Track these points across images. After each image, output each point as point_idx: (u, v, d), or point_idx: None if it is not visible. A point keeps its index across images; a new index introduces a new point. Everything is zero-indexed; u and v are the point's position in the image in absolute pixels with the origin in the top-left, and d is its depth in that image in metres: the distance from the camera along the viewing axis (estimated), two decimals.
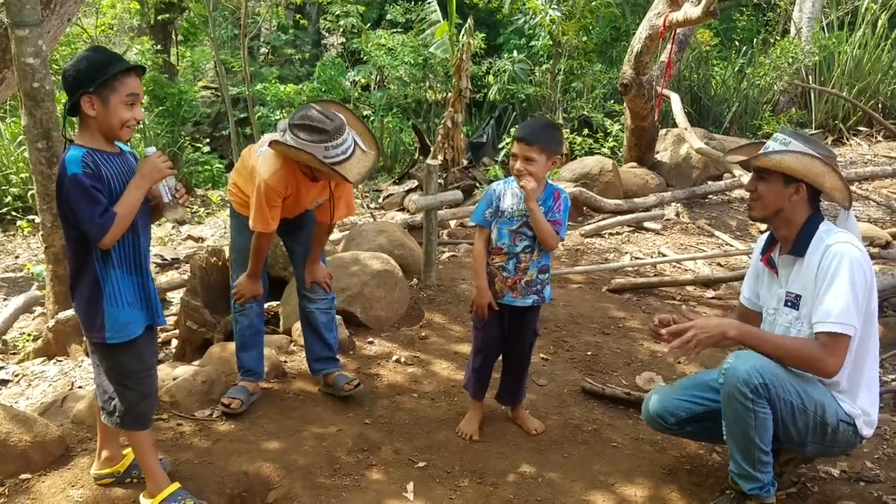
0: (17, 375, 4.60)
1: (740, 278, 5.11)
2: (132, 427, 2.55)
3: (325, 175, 2.97)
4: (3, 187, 9.36)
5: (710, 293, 5.10)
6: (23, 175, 9.35)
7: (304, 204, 3.17)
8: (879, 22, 10.73)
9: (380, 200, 8.63)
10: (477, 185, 8.48)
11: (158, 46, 13.33)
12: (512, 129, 10.48)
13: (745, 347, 2.46)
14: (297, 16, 14.32)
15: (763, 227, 2.74)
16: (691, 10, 6.49)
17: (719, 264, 5.67)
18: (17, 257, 7.85)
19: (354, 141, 2.92)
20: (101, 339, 2.42)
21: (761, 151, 2.54)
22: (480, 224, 3.03)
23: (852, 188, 7.35)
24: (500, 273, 2.99)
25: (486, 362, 3.20)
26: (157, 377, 2.68)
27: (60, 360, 4.67)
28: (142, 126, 10.59)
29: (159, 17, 13.39)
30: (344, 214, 3.31)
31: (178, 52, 15.24)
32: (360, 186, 9.42)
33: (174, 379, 3.40)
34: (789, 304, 2.55)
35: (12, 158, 9.66)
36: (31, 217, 8.38)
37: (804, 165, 2.43)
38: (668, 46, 7.40)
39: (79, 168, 2.28)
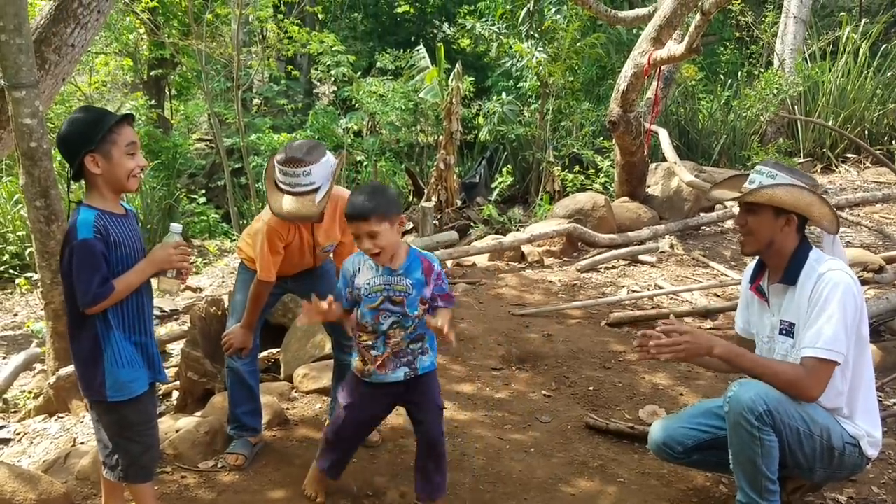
0: (18, 434, 4.58)
1: (737, 308, 5.15)
2: (136, 480, 2.54)
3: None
4: (1, 245, 9.41)
5: (708, 324, 5.12)
6: (20, 233, 9.41)
7: (307, 246, 3.18)
8: (861, 51, 10.95)
9: None
10: (472, 224, 8.56)
11: (152, 101, 13.53)
12: (504, 169, 10.60)
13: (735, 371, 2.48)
14: (289, 67, 14.57)
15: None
16: (675, 48, 6.64)
17: (716, 294, 5.70)
18: (15, 315, 7.85)
19: (315, 190, 2.86)
20: (101, 398, 2.41)
21: (749, 186, 2.58)
22: (346, 309, 2.72)
23: (843, 214, 7.43)
24: (369, 353, 2.66)
25: (346, 446, 2.88)
26: (158, 428, 2.68)
27: (62, 417, 4.65)
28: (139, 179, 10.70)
29: (152, 73, 13.61)
30: None
31: (171, 106, 15.44)
32: None
33: (177, 431, 3.39)
34: (784, 332, 2.57)
35: (9, 217, 9.72)
36: (28, 275, 8.40)
37: (794, 197, 2.48)
38: (654, 83, 7.54)
39: (90, 233, 2.30)
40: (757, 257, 2.72)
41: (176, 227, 2.46)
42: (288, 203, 2.87)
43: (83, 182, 2.42)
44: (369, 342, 2.66)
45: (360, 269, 2.66)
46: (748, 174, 2.66)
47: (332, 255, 3.38)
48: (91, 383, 2.41)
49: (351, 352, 3.32)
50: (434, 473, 2.77)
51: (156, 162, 11.82)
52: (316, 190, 2.86)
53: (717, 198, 2.95)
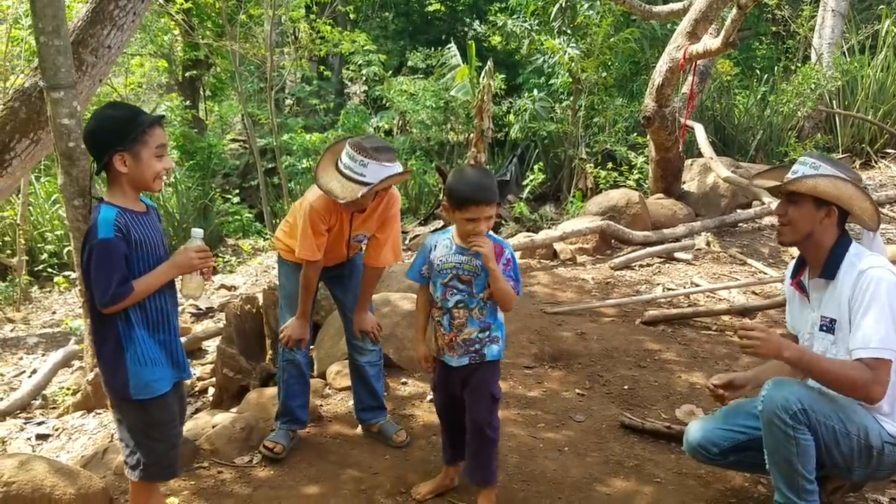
0: (57, 430, 4.66)
1: (776, 306, 5.04)
2: (159, 478, 2.54)
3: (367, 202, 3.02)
4: (39, 245, 9.61)
5: (746, 322, 5.02)
6: (58, 232, 9.60)
7: (345, 237, 3.19)
8: None
9: (406, 242, 8.70)
10: (503, 222, 8.52)
11: (187, 102, 13.70)
12: (535, 166, 10.54)
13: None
14: (321, 67, 14.66)
15: (796, 252, 2.71)
16: (711, 42, 6.54)
17: (754, 292, 5.60)
18: (53, 313, 8.02)
19: (364, 185, 2.87)
20: (126, 396, 2.39)
21: (789, 176, 2.54)
22: (415, 280, 2.86)
23: (883, 211, 7.25)
24: (439, 329, 2.78)
25: (445, 426, 2.97)
26: (181, 427, 2.64)
27: (99, 413, 4.72)
28: (174, 180, 10.86)
29: (187, 74, 13.79)
30: (390, 259, 3.31)
31: (206, 107, 15.64)
32: None
33: (213, 427, 3.42)
34: (824, 328, 2.52)
35: (47, 216, 9.93)
36: (66, 273, 8.57)
37: (837, 188, 2.43)
38: (690, 78, 7.43)
39: (111, 232, 2.28)
40: (799, 253, 2.66)
41: (197, 231, 2.44)
42: (335, 183, 2.91)
43: (105, 175, 2.40)
44: (439, 318, 2.77)
45: (436, 245, 2.78)
46: (791, 165, 2.61)
47: (362, 248, 3.38)
48: (115, 382, 2.40)
49: (361, 352, 3.38)
50: (476, 458, 2.80)
51: (191, 162, 11.98)
52: (365, 185, 2.88)
53: (759, 186, 2.89)
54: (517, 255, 6.55)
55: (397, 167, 2.96)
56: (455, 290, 2.69)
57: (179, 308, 2.66)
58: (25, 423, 4.84)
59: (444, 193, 2.76)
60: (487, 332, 2.73)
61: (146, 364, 2.38)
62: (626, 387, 4.03)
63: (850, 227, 2.59)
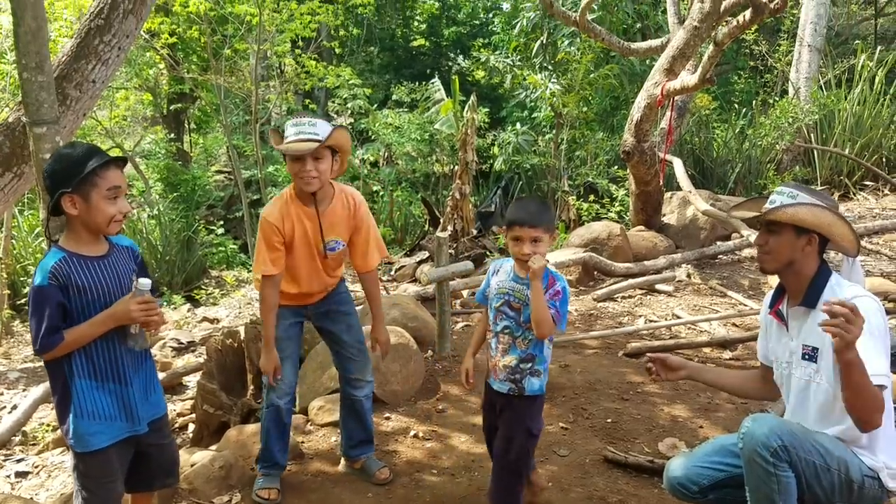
0: (36, 467, 4.59)
1: (756, 338, 5.08)
2: None
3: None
4: (21, 278, 9.53)
5: (727, 354, 5.06)
6: None
7: (317, 245, 3.13)
8: (877, 78, 10.94)
9: (391, 273, 8.70)
10: (487, 253, 8.56)
11: (172, 135, 13.75)
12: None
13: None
14: (306, 100, 14.76)
15: (776, 282, 2.74)
16: (688, 78, 6.67)
17: (734, 324, 5.65)
18: None
19: (317, 142, 2.95)
20: (69, 444, 2.34)
21: (767, 206, 2.56)
22: (480, 303, 2.96)
23: (862, 243, 7.36)
24: (489, 351, 2.83)
25: (489, 449, 2.98)
26: (119, 486, 2.44)
27: None
28: (157, 212, 10.84)
29: (172, 107, 13.84)
30: (377, 257, 3.27)
31: (191, 140, 15.68)
32: None
33: (192, 465, 3.38)
34: (807, 356, 2.53)
35: (30, 250, 9.86)
36: None
37: (816, 216, 2.46)
38: (668, 113, 7.56)
39: (44, 280, 2.20)
40: (777, 284, 2.69)
41: (144, 282, 2.29)
42: (293, 144, 2.95)
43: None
44: (489, 340, 2.83)
45: (499, 269, 2.86)
46: (768, 196, 2.64)
47: (346, 257, 3.30)
48: (62, 428, 2.34)
49: (359, 386, 3.34)
50: (496, 488, 2.80)
51: (175, 194, 11.98)
52: (318, 141, 2.95)
53: (738, 217, 2.93)
54: None
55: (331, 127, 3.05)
56: (504, 316, 2.75)
57: (152, 349, 2.56)
58: (5, 460, 4.76)
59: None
60: (530, 365, 2.73)
61: (83, 416, 2.29)
62: (609, 420, 4.04)
63: (828, 258, 2.62)
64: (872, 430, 2.36)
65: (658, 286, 6.59)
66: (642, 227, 7.91)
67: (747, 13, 6.19)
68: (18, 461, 4.74)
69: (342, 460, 3.50)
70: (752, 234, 6.05)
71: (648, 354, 2.84)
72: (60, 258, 2.25)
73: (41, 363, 6.87)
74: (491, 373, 2.81)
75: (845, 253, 2.54)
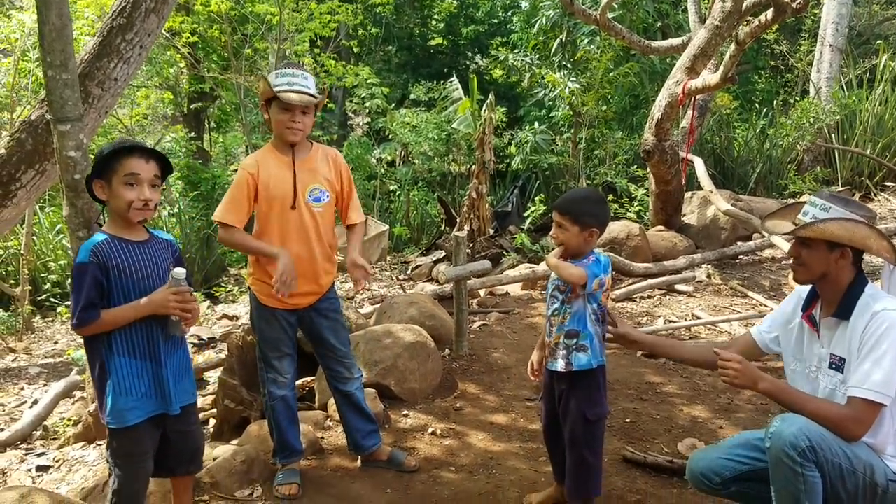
0: (57, 461, 4.63)
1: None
2: None
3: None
4: (42, 274, 9.63)
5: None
6: (61, 262, 9.63)
7: (297, 195, 3.11)
8: None
9: (408, 272, 8.71)
10: (504, 252, 8.54)
11: (192, 134, 13.82)
12: (536, 198, 10.63)
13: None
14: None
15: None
16: (709, 77, 6.62)
17: (755, 325, 5.60)
18: (55, 343, 8.00)
19: (312, 97, 3.04)
20: (104, 421, 2.44)
21: (801, 219, 2.53)
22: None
23: None
24: (545, 337, 3.01)
25: (547, 443, 3.08)
26: (151, 464, 2.55)
27: (100, 444, 4.69)
28: (177, 210, 10.92)
29: (192, 106, 13.92)
30: (356, 216, 3.32)
31: (210, 138, 15.76)
32: (387, 258, 9.53)
33: (213, 459, 3.40)
34: (833, 366, 2.51)
35: (51, 247, 9.96)
36: (68, 303, 8.56)
37: (848, 231, 2.42)
38: (689, 112, 7.51)
39: (86, 257, 2.34)
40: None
41: (179, 271, 2.40)
42: (293, 95, 3.00)
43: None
44: (546, 325, 2.96)
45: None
46: (803, 203, 2.61)
47: (336, 214, 3.32)
48: (99, 405, 2.45)
49: (349, 381, 3.39)
50: (571, 477, 2.86)
51: (195, 192, 12.05)
52: (312, 97, 3.04)
53: (770, 230, 2.90)
54: (517, 286, 6.57)
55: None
56: (555, 300, 2.89)
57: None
58: (26, 455, 4.81)
59: None
60: (574, 340, 2.83)
61: (121, 393, 2.40)
62: (627, 420, 4.02)
63: (868, 264, 2.60)
64: (848, 441, 2.36)
65: (678, 286, 6.55)
66: (662, 227, 7.86)
67: (769, 13, 6.14)
68: (39, 455, 4.79)
69: (359, 458, 3.52)
70: (772, 235, 5.99)
71: (609, 328, 2.90)
72: (103, 239, 2.39)
73: (62, 359, 6.96)
74: (548, 357, 2.92)
75: (888, 261, 2.52)
